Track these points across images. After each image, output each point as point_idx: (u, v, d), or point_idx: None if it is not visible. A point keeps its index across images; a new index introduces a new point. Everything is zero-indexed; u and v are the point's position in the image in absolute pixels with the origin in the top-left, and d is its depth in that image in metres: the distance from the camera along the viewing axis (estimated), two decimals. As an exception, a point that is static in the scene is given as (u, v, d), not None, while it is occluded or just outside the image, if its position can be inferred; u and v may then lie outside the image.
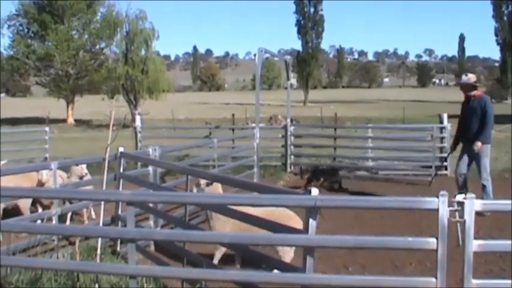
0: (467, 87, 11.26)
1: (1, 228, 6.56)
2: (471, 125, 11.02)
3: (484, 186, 10.96)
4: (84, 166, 10.18)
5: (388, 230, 8.95)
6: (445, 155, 15.63)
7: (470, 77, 11.40)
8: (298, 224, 6.31)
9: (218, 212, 6.55)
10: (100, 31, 52.45)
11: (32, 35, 54.69)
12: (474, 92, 11.18)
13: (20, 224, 7.48)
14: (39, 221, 8.34)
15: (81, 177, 10.01)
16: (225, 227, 6.87)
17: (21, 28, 54.97)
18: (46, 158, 19.02)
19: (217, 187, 7.44)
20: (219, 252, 7.12)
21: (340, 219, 9.50)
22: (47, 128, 20.87)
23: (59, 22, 53.03)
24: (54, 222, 8.23)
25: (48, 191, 7.43)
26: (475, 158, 11.09)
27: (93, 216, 10.64)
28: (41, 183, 9.46)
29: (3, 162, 11.09)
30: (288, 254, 6.76)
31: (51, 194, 7.37)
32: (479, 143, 10.81)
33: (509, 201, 4.57)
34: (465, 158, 11.27)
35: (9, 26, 54.80)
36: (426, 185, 13.73)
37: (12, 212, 9.96)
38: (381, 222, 10.00)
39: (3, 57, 56.92)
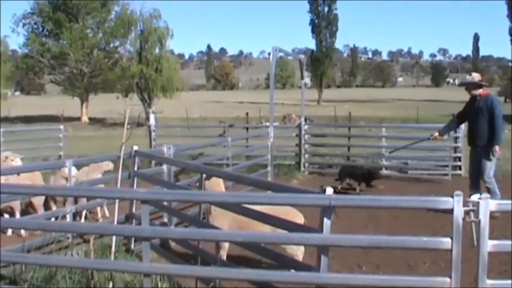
0: (471, 87, 10.93)
1: (17, 225, 6.62)
2: (478, 126, 10.67)
3: (488, 189, 10.56)
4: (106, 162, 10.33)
5: (401, 230, 8.94)
6: (459, 154, 15.62)
7: (474, 76, 11.10)
8: (300, 219, 6.34)
9: (225, 209, 6.53)
10: (114, 30, 52.69)
11: (47, 33, 55.11)
12: (480, 91, 10.83)
13: (35, 221, 7.54)
14: (53, 219, 8.38)
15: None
16: (223, 222, 6.86)
17: (36, 27, 55.41)
18: (60, 156, 19.10)
19: (219, 183, 7.38)
20: (223, 251, 7.11)
21: (354, 219, 9.48)
22: (61, 126, 20.99)
23: (73, 21, 53.30)
24: (68, 220, 8.27)
25: (63, 189, 7.46)
26: (482, 158, 10.71)
27: (107, 214, 10.70)
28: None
29: (18, 158, 11.14)
30: (299, 250, 6.73)
31: (66, 192, 7.41)
32: (497, 148, 10.51)
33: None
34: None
35: (24, 25, 55.31)
36: (441, 184, 13.74)
37: (25, 210, 10.06)
38: (394, 222, 9.98)
39: (18, 56, 57.39)
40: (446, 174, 15.14)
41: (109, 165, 10.65)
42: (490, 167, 10.67)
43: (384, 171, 16.12)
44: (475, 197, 4.55)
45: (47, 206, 10.17)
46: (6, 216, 9.60)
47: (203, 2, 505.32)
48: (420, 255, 7.85)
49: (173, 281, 6.47)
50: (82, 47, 52.36)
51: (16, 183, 8.24)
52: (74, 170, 9.45)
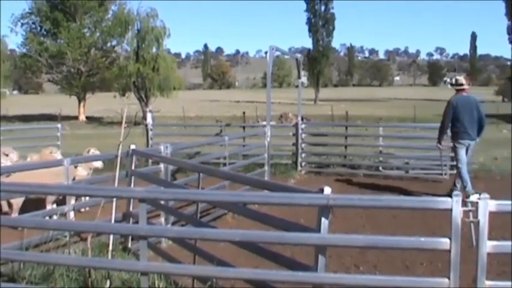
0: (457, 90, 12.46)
1: (14, 224, 6.61)
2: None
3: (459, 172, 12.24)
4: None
5: (400, 230, 8.93)
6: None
7: (457, 79, 12.63)
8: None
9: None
10: (111, 29, 52.75)
11: (45, 32, 55.19)
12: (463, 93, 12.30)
13: (33, 219, 7.52)
14: (54, 217, 8.39)
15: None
16: None
17: (33, 26, 55.45)
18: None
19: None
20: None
21: (352, 219, 9.48)
22: (59, 125, 20.93)
23: (71, 20, 53.39)
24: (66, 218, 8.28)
25: (60, 188, 7.45)
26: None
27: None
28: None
29: (12, 153, 11.25)
30: None
31: (63, 191, 7.40)
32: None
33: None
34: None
35: (22, 24, 55.44)
36: (439, 184, 13.78)
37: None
38: (392, 221, 9.97)
39: (16, 55, 57.41)
40: (445, 174, 15.14)
41: (98, 164, 10.73)
42: (457, 160, 12.29)
43: (383, 171, 16.15)
44: (474, 197, 4.55)
45: (42, 205, 10.14)
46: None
47: (200, 1, 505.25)
48: (417, 255, 7.84)
49: (170, 279, 6.46)
50: (79, 46, 52.45)
51: (12, 182, 8.21)
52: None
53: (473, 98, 12.50)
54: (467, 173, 12.27)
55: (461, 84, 12.41)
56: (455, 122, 12.17)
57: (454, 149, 12.39)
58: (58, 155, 11.25)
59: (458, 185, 12.25)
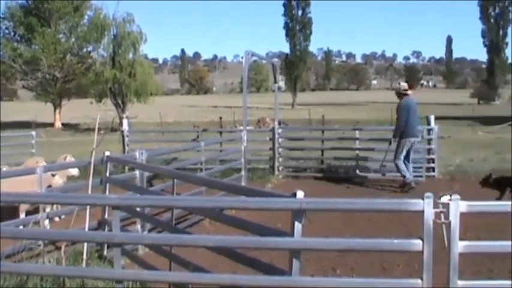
0: (399, 93, 14.42)
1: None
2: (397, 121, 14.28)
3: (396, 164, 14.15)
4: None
5: (376, 232, 8.95)
6: (433, 156, 15.76)
7: (402, 85, 14.57)
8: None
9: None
10: (87, 34, 52.33)
11: (19, 38, 54.65)
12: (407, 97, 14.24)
13: (5, 229, 7.43)
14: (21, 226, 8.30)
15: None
16: None
17: (7, 31, 54.90)
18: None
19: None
20: None
21: (330, 222, 9.50)
22: (33, 132, 20.77)
23: (45, 25, 52.96)
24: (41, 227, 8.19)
25: (34, 196, 7.37)
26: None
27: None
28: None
29: None
30: None
31: (37, 199, 7.33)
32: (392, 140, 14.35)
33: (495, 203, 4.60)
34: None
35: (-5, 30, 54.57)
36: (416, 186, 13.92)
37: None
38: (369, 224, 10.00)
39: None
40: (421, 176, 15.24)
41: (74, 171, 10.69)
42: (398, 154, 14.01)
43: (359, 174, 16.20)
44: (445, 199, 4.58)
45: (15, 214, 10.02)
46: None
47: (177, 6, 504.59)
48: (395, 257, 7.87)
49: (146, 287, 6.42)
50: (55, 52, 52.03)
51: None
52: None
53: (415, 101, 14.54)
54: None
55: (406, 90, 14.35)
56: (407, 122, 13.95)
57: (400, 145, 14.00)
58: (44, 164, 11.09)
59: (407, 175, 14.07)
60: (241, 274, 5.62)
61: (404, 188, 13.99)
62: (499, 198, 11.21)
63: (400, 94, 14.37)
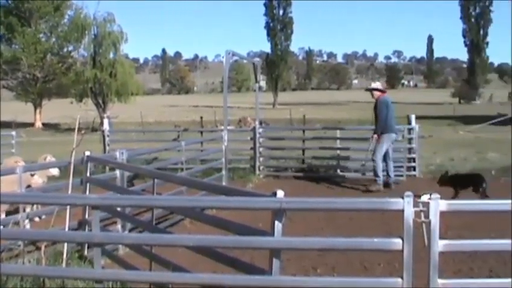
0: (375, 91, 14.59)
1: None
2: (376, 119, 14.27)
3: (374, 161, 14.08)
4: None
5: (357, 231, 8.97)
6: (413, 156, 15.82)
7: (377, 84, 15.17)
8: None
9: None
10: (68, 34, 52.12)
11: (-1, 38, 54.14)
12: (378, 94, 14.45)
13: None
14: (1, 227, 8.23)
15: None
16: None
17: (-13, 31, 54.36)
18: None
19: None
20: None
21: (311, 221, 9.50)
22: (13, 132, 20.63)
23: (26, 25, 52.68)
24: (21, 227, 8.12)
25: (14, 196, 7.31)
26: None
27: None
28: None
29: None
30: None
31: (17, 199, 7.27)
32: (375, 136, 14.16)
33: (476, 202, 4.63)
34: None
35: (-25, 29, 54.11)
36: (396, 185, 13.98)
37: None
38: (350, 223, 10.01)
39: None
40: (401, 175, 15.29)
41: (55, 171, 10.63)
42: (378, 150, 13.94)
43: (340, 173, 16.23)
44: (425, 198, 4.61)
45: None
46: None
47: (157, 6, 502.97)
48: (376, 256, 7.87)
49: (126, 286, 6.39)
50: (35, 52, 51.77)
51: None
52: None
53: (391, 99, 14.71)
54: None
55: (382, 90, 14.78)
56: (387, 117, 14.05)
57: (382, 140, 13.99)
58: (23, 164, 11.01)
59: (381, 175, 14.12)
60: (222, 274, 5.62)
61: (377, 188, 13.94)
62: (453, 197, 11.25)
63: (377, 92, 14.50)
